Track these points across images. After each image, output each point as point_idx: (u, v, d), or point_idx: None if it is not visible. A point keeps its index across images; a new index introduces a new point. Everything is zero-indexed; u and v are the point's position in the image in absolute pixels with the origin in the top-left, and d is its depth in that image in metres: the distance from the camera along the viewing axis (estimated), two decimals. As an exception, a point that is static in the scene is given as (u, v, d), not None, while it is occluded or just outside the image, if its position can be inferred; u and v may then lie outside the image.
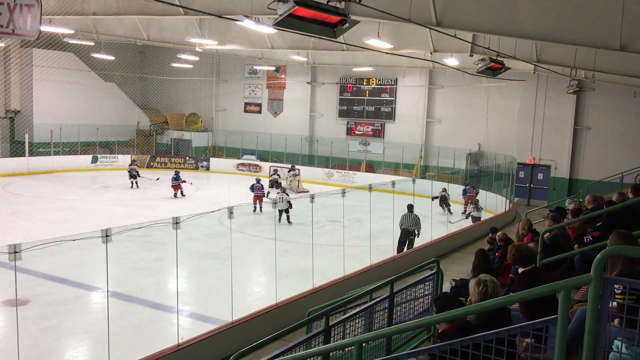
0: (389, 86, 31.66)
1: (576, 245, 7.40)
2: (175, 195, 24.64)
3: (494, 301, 3.60)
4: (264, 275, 13.97)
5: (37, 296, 11.53)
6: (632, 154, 23.71)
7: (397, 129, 31.52)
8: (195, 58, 30.29)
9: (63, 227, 16.82)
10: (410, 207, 15.53)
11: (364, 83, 32.39)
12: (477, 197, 21.51)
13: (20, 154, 30.04)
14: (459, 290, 7.34)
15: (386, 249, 14.57)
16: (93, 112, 33.44)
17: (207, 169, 34.39)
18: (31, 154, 30.31)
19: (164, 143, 37.50)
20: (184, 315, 10.68)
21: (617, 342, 2.99)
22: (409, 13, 10.84)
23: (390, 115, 31.75)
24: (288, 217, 19.90)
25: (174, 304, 9.77)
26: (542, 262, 6.72)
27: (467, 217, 20.09)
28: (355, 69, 30.60)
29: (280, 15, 7.01)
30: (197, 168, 34.30)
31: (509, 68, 15.27)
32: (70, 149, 32.28)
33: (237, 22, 16.81)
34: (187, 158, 34.93)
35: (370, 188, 13.56)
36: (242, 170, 33.60)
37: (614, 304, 3.00)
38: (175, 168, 28.87)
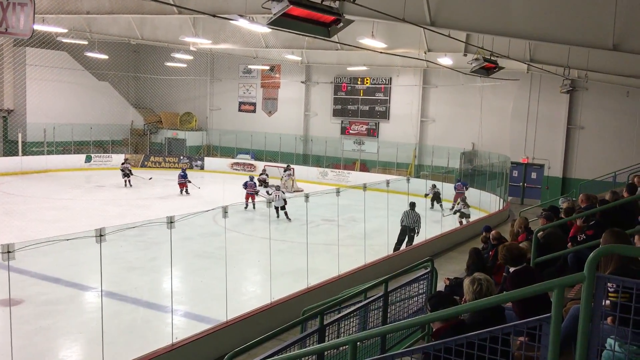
0: (383, 85, 31.69)
1: (570, 244, 7.45)
2: (181, 192, 25.08)
3: (488, 300, 3.62)
4: (259, 274, 13.96)
5: (31, 296, 11.48)
6: (625, 153, 23.85)
7: (392, 128, 31.56)
8: (189, 57, 30.23)
9: (57, 226, 16.75)
10: (412, 205, 15.74)
11: (358, 82, 32.41)
12: (465, 194, 21.69)
13: (14, 153, 29.89)
14: (453, 289, 7.37)
15: (380, 248, 14.59)
16: (87, 111, 33.29)
17: (202, 168, 34.33)
18: (24, 153, 30.18)
19: (158, 142, 37.39)
20: (179, 314, 10.65)
21: (610, 341, 3.01)
22: (403, 12, 10.86)
23: (385, 115, 31.78)
24: (286, 213, 20.11)
25: (168, 303, 9.75)
26: (535, 261, 6.76)
27: (454, 214, 20.17)
28: (349, 69, 30.62)
29: (275, 14, 7.02)
30: (191, 167, 34.19)
31: (502, 67, 15.33)
32: (64, 148, 32.14)
33: (231, 21, 16.79)
34: (182, 157, 34.85)
35: (364, 187, 13.58)
36: (236, 169, 33.56)
37: (607, 302, 3.02)
38: (171, 167, 28.85)
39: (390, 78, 31.33)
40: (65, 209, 20.82)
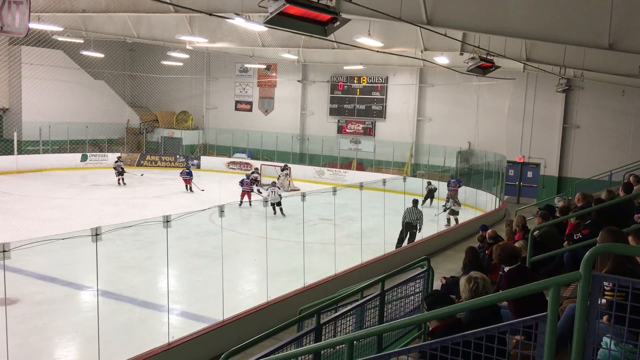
0: (379, 84, 31.70)
1: (565, 243, 7.47)
2: (186, 188, 25.71)
3: (484, 298, 3.62)
4: (255, 273, 13.96)
5: (27, 295, 11.44)
6: (620, 152, 23.94)
7: (388, 127, 31.57)
8: (185, 56, 30.16)
9: (52, 225, 16.70)
10: (415, 202, 16.00)
11: (355, 81, 32.41)
12: (457, 191, 21.89)
13: (9, 152, 29.77)
14: (450, 288, 7.37)
15: (377, 247, 14.60)
16: (82, 110, 33.20)
17: (198, 167, 34.25)
18: (20, 152, 30.05)
19: (154, 141, 37.32)
20: (175, 314, 10.64)
21: (606, 339, 3.01)
22: (399, 11, 10.87)
23: (381, 114, 31.79)
24: (281, 209, 20.40)
25: (164, 302, 9.74)
26: (531, 260, 6.77)
27: (444, 211, 20.25)
28: (346, 67, 30.61)
29: (271, 13, 7.02)
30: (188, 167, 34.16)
31: (498, 67, 15.35)
32: (60, 147, 32.04)
33: (227, 20, 16.76)
34: (178, 156, 34.80)
35: (361, 186, 13.59)
36: (233, 168, 33.52)
37: (603, 301, 3.02)
38: (167, 166, 28.86)
39: (387, 77, 31.34)
40: (61, 208, 20.76)
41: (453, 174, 25.19)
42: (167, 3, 16.06)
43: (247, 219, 20.71)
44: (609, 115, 25.01)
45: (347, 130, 32.91)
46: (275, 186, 21.67)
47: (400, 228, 15.91)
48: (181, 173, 26.82)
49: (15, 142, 29.71)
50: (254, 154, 34.70)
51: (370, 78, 31.84)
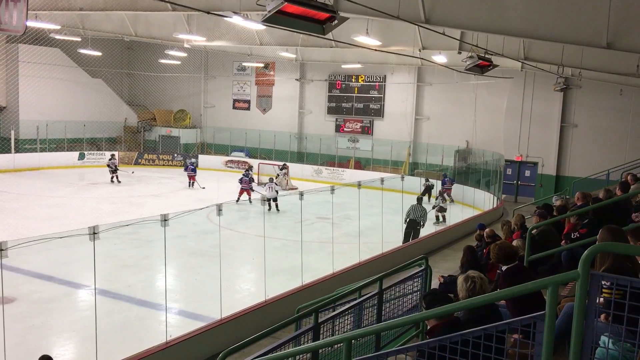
0: (377, 83, 31.70)
1: (563, 241, 7.48)
2: (189, 184, 26.25)
3: (482, 297, 3.62)
4: (253, 272, 13.96)
5: (24, 294, 11.42)
6: (618, 151, 23.96)
7: (386, 126, 31.57)
8: (183, 54, 30.09)
9: (50, 224, 16.67)
10: (419, 200, 16.45)
11: (353, 80, 32.40)
12: (448, 190, 22.05)
13: (6, 150, 29.70)
14: (448, 287, 7.37)
15: (375, 245, 14.60)
16: (80, 108, 33.13)
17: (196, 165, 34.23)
18: (17, 150, 29.99)
19: (151, 140, 37.28)
20: (173, 312, 10.63)
21: (604, 338, 3.02)
22: (397, 10, 10.87)
23: (379, 112, 31.79)
24: (277, 205, 20.75)
25: (162, 301, 9.74)
26: (529, 259, 6.78)
27: (432, 208, 20.33)
28: (344, 66, 30.60)
29: (269, 11, 7.00)
30: (185, 165, 34.12)
31: (496, 65, 15.36)
32: (57, 145, 31.98)
33: (225, 19, 16.72)
34: (175, 155, 34.75)
35: (359, 185, 13.59)
36: (231, 167, 33.50)
37: (601, 299, 3.02)
38: (165, 165, 28.93)
39: (385, 76, 31.34)
40: (59, 206, 20.72)
41: (446, 172, 25.34)
42: (165, 1, 16.02)
43: (245, 217, 20.71)
44: (607, 114, 25.04)
45: (345, 129, 32.90)
46: (272, 182, 21.87)
47: (404, 226, 16.03)
48: (186, 169, 27.08)
49: (12, 141, 29.64)
50: (251, 153, 34.68)
51: (368, 77, 31.84)
